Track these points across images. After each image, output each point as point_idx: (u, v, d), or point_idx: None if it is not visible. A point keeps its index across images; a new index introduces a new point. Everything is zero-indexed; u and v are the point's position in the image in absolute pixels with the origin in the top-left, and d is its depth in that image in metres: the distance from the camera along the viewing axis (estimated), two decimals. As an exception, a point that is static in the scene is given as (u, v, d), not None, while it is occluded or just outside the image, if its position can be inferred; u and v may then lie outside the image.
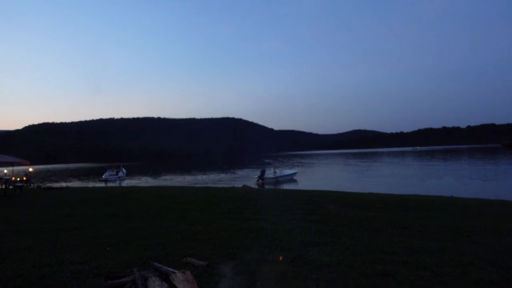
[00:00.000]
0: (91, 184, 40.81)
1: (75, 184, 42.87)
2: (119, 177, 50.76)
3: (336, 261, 4.74)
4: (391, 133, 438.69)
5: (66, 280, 4.15)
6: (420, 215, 9.14)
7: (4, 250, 5.61)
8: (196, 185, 32.05)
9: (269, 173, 37.73)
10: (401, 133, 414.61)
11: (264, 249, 5.40)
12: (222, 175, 50.41)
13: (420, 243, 5.83)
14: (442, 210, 10.05)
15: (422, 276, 4.17)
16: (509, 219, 8.43)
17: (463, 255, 5.07)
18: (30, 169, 33.82)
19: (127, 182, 44.97)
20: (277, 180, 35.52)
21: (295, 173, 40.11)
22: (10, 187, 17.74)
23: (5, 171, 29.92)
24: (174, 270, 3.99)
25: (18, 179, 24.22)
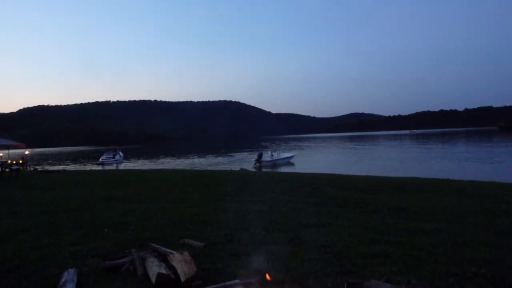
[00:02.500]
0: (88, 167, 40.81)
1: (72, 167, 42.85)
2: (116, 160, 50.71)
3: (333, 241, 4.79)
4: (389, 116, 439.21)
5: (64, 261, 4.16)
6: (416, 197, 9.23)
7: (1, 232, 5.62)
8: (194, 168, 32.12)
9: (267, 156, 37.81)
10: (399, 116, 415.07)
11: (261, 230, 5.44)
12: (220, 158, 50.53)
13: (415, 224, 5.89)
14: (438, 192, 10.15)
15: (417, 256, 4.22)
16: (503, 201, 8.53)
17: (457, 236, 5.14)
18: (26, 152, 33.67)
19: (124, 165, 45.01)
20: (275, 163, 35.66)
21: (292, 156, 40.24)
22: (6, 170, 17.69)
23: (1, 154, 29.76)
24: (172, 251, 4.01)
25: (14, 162, 24.13)
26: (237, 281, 3.37)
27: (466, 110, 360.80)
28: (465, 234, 5.24)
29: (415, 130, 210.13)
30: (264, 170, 30.60)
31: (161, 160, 51.55)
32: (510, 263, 3.97)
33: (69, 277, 3.42)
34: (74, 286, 3.27)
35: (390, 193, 9.95)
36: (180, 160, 51.11)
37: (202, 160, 49.40)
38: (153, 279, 3.44)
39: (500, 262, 4.01)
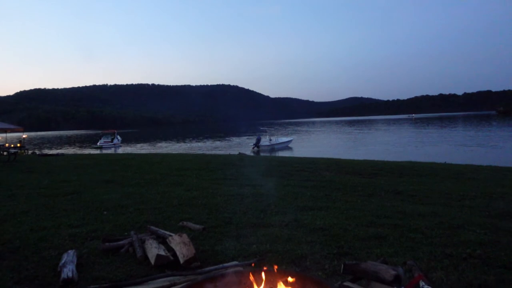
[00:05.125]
0: (86, 151, 40.77)
1: (70, 151, 42.81)
2: (114, 144, 50.65)
3: (330, 224, 4.84)
4: (388, 101, 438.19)
5: (63, 243, 4.20)
6: (413, 180, 9.28)
7: (1, 214, 5.64)
8: (192, 152, 32.16)
9: (265, 140, 37.78)
10: (398, 100, 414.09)
11: (259, 213, 5.48)
12: (218, 143, 50.52)
13: (412, 208, 5.95)
14: (435, 175, 10.20)
15: (413, 238, 4.28)
16: (499, 184, 8.60)
17: (453, 218, 5.19)
18: (24, 136, 33.55)
19: (122, 149, 44.99)
20: (273, 148, 35.69)
21: (290, 141, 40.25)
22: (5, 153, 17.64)
23: (-1, 137, 29.65)
24: (171, 233, 4.04)
25: (12, 145, 24.06)
26: (235, 262, 3.41)
27: (465, 94, 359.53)
28: (461, 217, 5.30)
29: (413, 115, 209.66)
30: (262, 154, 30.65)
31: (159, 144, 51.50)
32: (505, 245, 4.02)
33: (68, 258, 3.45)
34: (74, 267, 3.31)
35: (388, 177, 10.00)
36: (179, 144, 51.08)
37: (200, 144, 49.38)
38: (152, 260, 3.48)
39: (494, 244, 4.06)
